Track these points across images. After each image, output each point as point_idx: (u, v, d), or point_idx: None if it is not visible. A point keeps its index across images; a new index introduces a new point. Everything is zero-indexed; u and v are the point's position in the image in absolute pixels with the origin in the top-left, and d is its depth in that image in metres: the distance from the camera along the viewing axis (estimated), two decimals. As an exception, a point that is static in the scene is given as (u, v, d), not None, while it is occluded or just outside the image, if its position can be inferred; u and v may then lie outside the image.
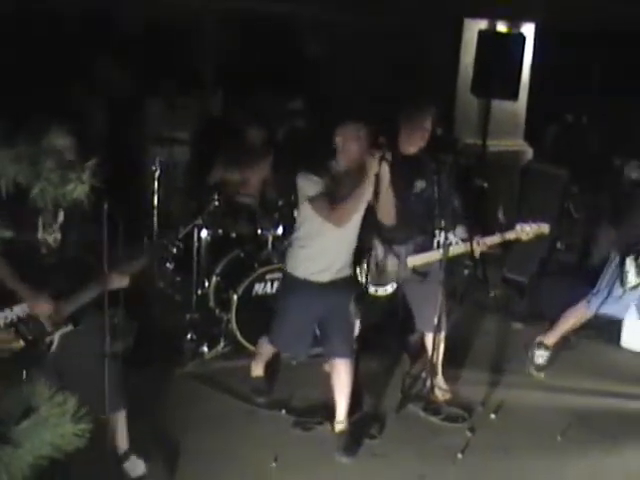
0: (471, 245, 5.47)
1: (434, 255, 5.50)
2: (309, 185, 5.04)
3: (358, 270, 5.45)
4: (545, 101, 9.81)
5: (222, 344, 6.45)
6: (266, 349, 5.74)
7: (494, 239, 5.61)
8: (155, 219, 6.94)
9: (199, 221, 6.50)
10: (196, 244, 6.54)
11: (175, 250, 6.44)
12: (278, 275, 6.40)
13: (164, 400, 5.59)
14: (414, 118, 5.46)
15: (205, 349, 6.40)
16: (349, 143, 5.04)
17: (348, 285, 5.29)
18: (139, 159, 7.91)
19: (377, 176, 4.93)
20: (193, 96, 9.05)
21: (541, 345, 6.39)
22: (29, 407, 2.11)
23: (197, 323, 6.60)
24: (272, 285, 6.44)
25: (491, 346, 6.90)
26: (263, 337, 5.69)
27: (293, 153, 7.62)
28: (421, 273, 5.60)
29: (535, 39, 9.44)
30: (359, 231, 5.18)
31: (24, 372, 3.73)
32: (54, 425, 2.09)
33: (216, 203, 6.55)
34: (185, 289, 6.82)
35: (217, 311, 6.62)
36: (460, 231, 5.59)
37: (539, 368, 6.39)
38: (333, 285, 5.19)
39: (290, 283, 5.31)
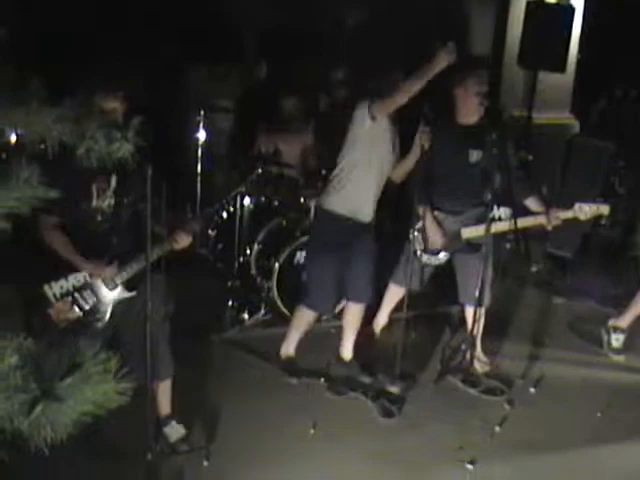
0: (515, 221, 5.41)
1: (488, 229, 5.41)
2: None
3: (411, 237, 5.47)
4: (593, 74, 9.67)
5: (262, 311, 6.49)
6: (303, 321, 5.73)
7: (566, 214, 5.53)
8: (198, 186, 6.97)
9: (242, 189, 6.50)
10: (239, 212, 6.56)
11: (220, 218, 6.50)
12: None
13: (203, 366, 5.63)
14: (468, 85, 5.39)
15: (245, 316, 6.44)
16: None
17: (372, 234, 5.53)
18: (183, 126, 7.91)
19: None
20: (236, 64, 9.02)
21: (616, 329, 6.30)
22: (73, 364, 2.14)
23: (238, 290, 6.63)
24: (314, 254, 6.45)
25: (532, 320, 6.86)
26: (300, 308, 5.72)
27: (336, 122, 7.58)
28: (475, 245, 5.55)
29: (585, 10, 9.27)
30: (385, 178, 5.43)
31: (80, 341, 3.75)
32: (97, 382, 2.11)
33: (259, 171, 6.56)
34: (227, 256, 6.84)
35: (258, 279, 6.64)
36: (532, 203, 5.59)
37: (617, 351, 6.31)
38: (363, 228, 5.42)
39: (325, 219, 5.51)
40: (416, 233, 5.52)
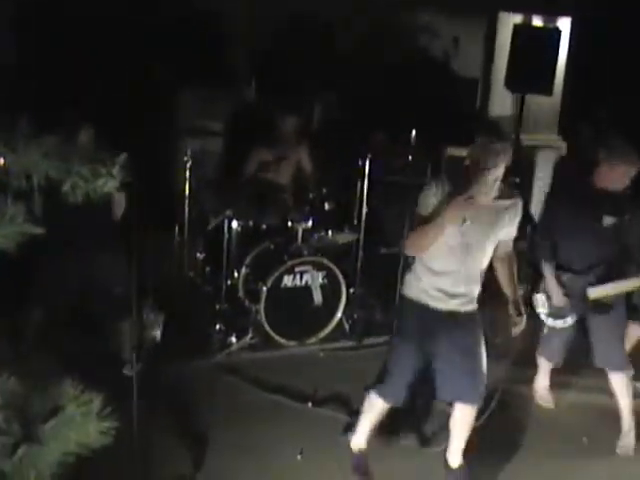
0: None
1: (616, 287, 5.22)
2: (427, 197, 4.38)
3: (533, 301, 5.36)
4: (580, 96, 9.71)
5: (250, 335, 6.47)
6: (374, 409, 4.90)
7: None
8: (186, 209, 6.98)
9: (230, 212, 6.52)
10: (226, 235, 6.56)
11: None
12: (307, 267, 6.45)
13: (191, 390, 5.62)
14: (625, 162, 5.07)
15: (233, 340, 6.43)
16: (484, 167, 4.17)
17: (473, 321, 4.59)
18: (171, 149, 7.92)
19: None
20: (226, 86, 9.04)
21: None
22: (56, 406, 2.14)
23: (226, 314, 6.62)
24: (301, 278, 6.46)
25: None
26: (370, 395, 4.88)
27: (325, 146, 7.61)
28: (604, 305, 5.28)
29: (571, 33, 9.34)
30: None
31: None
32: (80, 424, 2.11)
33: (247, 194, 6.57)
34: (215, 279, 6.84)
35: (246, 302, 6.64)
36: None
37: None
38: (455, 317, 4.53)
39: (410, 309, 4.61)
40: (539, 295, 5.36)
